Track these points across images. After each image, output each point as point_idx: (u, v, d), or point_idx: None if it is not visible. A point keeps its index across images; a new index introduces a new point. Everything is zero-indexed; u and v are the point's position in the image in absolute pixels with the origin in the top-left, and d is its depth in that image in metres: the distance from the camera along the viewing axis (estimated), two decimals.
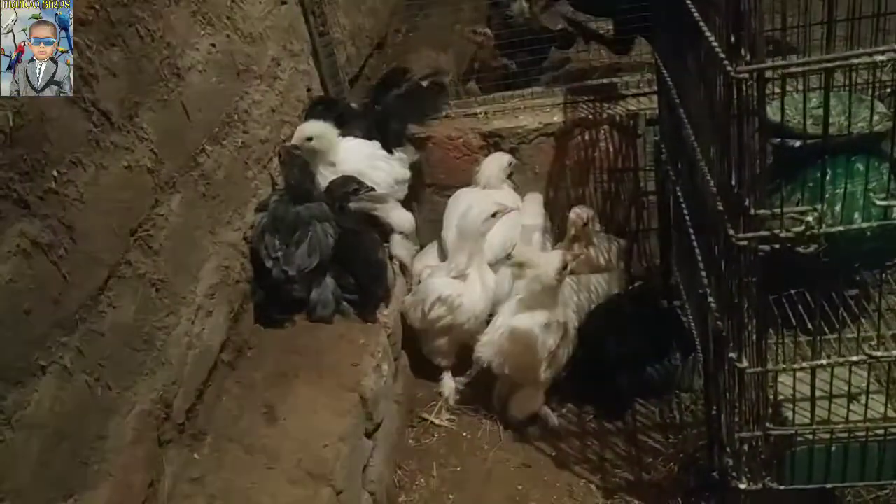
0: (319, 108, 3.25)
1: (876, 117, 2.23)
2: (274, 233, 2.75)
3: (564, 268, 2.75)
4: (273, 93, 3.05)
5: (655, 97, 3.00)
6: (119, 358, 1.99)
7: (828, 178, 2.22)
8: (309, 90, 3.40)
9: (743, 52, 1.47)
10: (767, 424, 1.83)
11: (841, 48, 1.95)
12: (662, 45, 2.64)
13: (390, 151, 3.27)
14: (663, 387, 2.94)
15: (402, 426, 3.00)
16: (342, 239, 2.86)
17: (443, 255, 3.31)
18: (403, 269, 3.25)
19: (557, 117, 3.45)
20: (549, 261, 2.77)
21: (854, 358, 1.75)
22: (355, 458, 2.47)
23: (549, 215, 3.45)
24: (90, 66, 1.92)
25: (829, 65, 1.45)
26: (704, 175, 1.88)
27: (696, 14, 1.80)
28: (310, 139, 3.01)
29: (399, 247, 3.22)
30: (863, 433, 1.85)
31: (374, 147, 3.24)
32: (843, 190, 2.15)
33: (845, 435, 1.85)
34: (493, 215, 3.01)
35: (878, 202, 1.70)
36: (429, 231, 3.52)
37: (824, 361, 1.78)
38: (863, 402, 1.86)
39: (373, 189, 3.02)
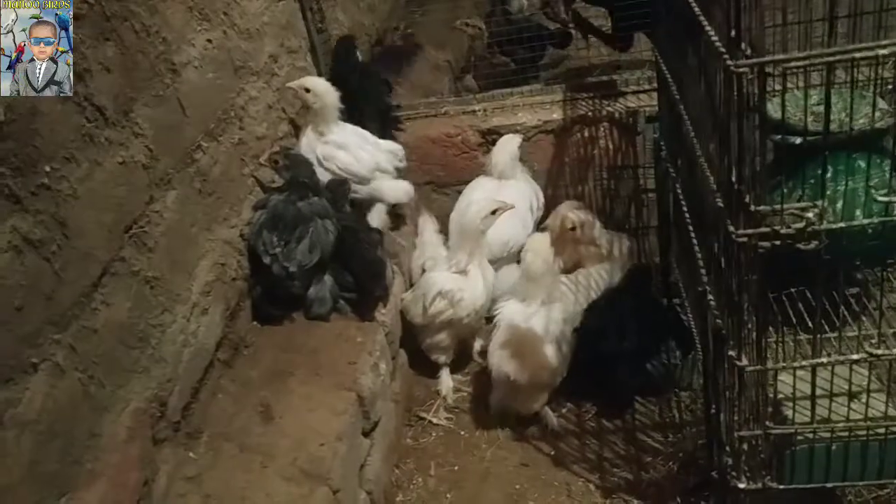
0: None
1: (878, 114, 2.21)
2: (272, 229, 2.73)
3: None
4: (270, 89, 3.04)
5: (655, 94, 2.98)
6: (113, 355, 1.97)
7: (829, 175, 2.20)
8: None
9: (743, 46, 1.45)
10: (767, 423, 1.82)
11: (843, 45, 1.93)
12: (662, 41, 2.62)
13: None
14: (664, 383, 2.92)
15: (400, 425, 2.99)
16: (341, 237, 2.84)
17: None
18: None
19: (557, 114, 3.45)
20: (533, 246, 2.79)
21: (855, 356, 1.73)
22: (352, 457, 2.45)
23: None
24: (84, 60, 1.91)
25: (830, 59, 1.44)
26: (704, 171, 1.86)
27: (696, 8, 1.78)
28: (308, 91, 3.03)
29: (376, 219, 3.22)
30: (863, 432, 1.83)
31: (366, 133, 3.25)
32: (844, 187, 2.13)
33: (846, 434, 1.84)
34: (493, 213, 3.00)
35: (880, 198, 1.68)
36: None
37: (825, 360, 1.76)
38: (863, 400, 1.85)
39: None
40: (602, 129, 3.39)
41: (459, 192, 3.47)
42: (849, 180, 2.18)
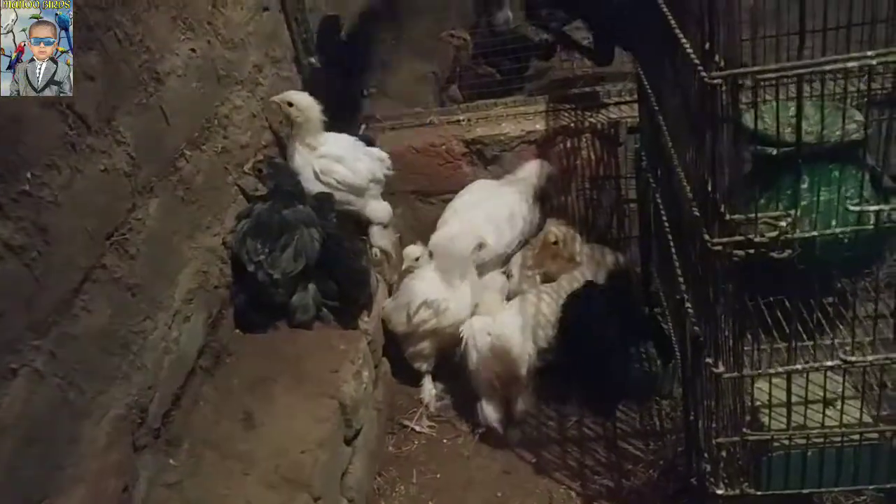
0: None
1: (853, 126, 2.25)
2: (256, 237, 2.73)
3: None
4: (254, 98, 3.05)
5: (636, 105, 3.01)
6: (93, 362, 1.97)
7: (805, 185, 2.24)
8: None
9: (717, 58, 1.49)
10: (744, 430, 1.84)
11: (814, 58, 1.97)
12: (642, 54, 2.66)
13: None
14: (644, 388, 2.95)
15: (382, 433, 2.99)
16: (326, 245, 2.85)
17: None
18: (388, 257, 3.25)
19: (540, 125, 3.47)
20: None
21: (829, 363, 1.76)
22: (334, 465, 2.45)
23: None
24: None
25: (801, 70, 1.47)
26: (681, 181, 1.89)
27: (672, 22, 1.82)
28: (291, 105, 3.04)
29: (379, 237, 3.24)
30: (838, 438, 1.85)
31: (357, 142, 3.27)
32: (817, 198, 2.17)
33: (821, 440, 1.86)
34: (479, 247, 3.07)
35: (852, 208, 1.72)
36: (410, 239, 3.50)
37: (800, 367, 1.79)
38: (838, 407, 1.87)
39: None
40: (585, 139, 3.42)
41: (445, 202, 3.49)
42: (824, 191, 2.21)
